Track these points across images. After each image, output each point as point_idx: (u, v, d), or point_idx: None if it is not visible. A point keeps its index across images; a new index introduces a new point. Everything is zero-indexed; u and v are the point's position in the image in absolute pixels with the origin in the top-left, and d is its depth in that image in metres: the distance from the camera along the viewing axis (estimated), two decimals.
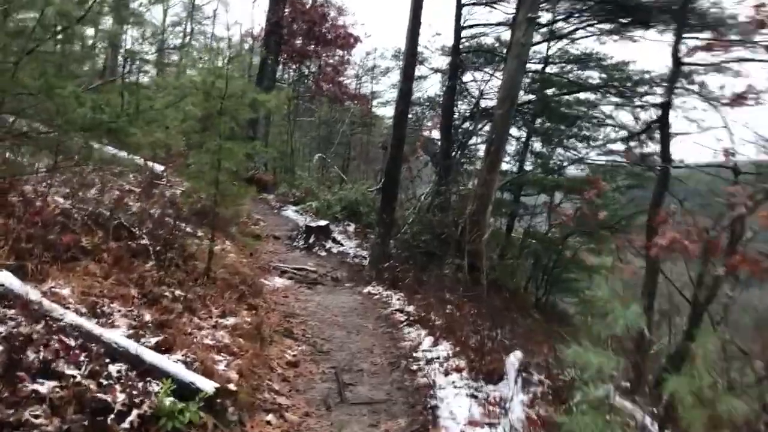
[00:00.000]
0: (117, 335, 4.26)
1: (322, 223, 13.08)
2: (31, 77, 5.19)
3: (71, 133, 5.27)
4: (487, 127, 17.70)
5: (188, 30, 27.98)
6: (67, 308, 4.39)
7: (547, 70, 18.15)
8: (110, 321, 4.58)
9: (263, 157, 20.38)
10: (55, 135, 5.54)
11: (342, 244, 13.12)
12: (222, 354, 5.04)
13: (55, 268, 5.04)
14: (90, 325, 4.23)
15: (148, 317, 4.99)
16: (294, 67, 22.37)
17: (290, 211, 16.83)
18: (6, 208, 6.22)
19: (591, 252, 19.64)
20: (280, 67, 23.16)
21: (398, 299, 8.74)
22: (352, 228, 15.78)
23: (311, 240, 12.66)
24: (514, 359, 5.89)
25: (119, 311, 4.90)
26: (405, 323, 7.58)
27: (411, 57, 10.00)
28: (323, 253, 12.45)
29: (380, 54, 27.65)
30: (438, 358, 6.09)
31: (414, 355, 6.31)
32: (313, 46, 20.25)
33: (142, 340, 4.49)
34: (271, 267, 10.02)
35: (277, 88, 22.50)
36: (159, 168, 12.14)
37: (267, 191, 19.50)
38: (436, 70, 20.30)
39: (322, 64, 21.93)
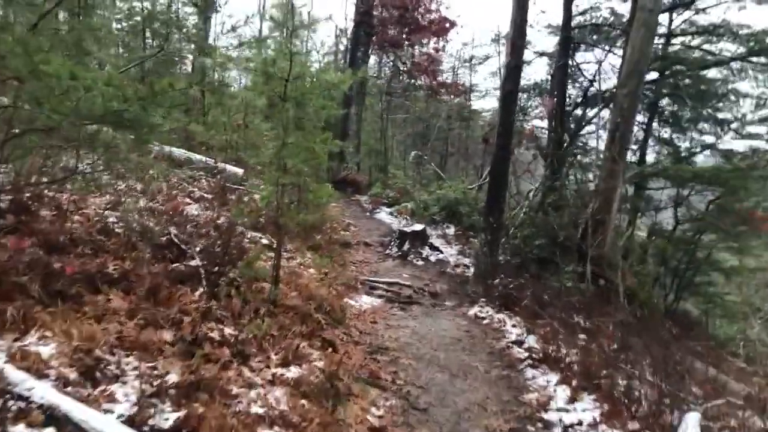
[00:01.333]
0: (108, 421, 2.86)
1: (418, 227, 11.50)
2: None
3: (77, 123, 3.94)
4: (604, 113, 15.56)
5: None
6: (45, 375, 3.05)
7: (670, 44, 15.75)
8: (107, 392, 3.18)
9: (356, 157, 19.13)
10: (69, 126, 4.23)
11: (440, 251, 11.49)
12: (274, 430, 3.56)
13: (52, 308, 3.74)
14: (69, 404, 2.85)
15: (173, 377, 3.58)
16: (386, 58, 20.88)
17: (384, 214, 15.41)
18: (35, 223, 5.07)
19: (729, 251, 17.08)
20: (372, 60, 21.84)
21: (514, 325, 7.02)
22: (451, 231, 14.13)
23: (405, 247, 11.12)
24: (692, 423, 4.11)
25: (134, 370, 3.52)
26: (527, 362, 5.85)
27: (519, 25, 8.23)
28: (419, 262, 10.88)
29: (478, 44, 25.81)
30: (580, 425, 4.35)
31: (544, 417, 4.61)
32: (405, 34, 18.72)
33: (153, 420, 3.08)
34: (358, 282, 8.55)
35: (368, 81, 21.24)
36: (237, 171, 10.99)
37: (360, 192, 18.23)
38: (542, 54, 18.24)
39: (415, 53, 20.35)
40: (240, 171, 10.88)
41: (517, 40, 7.95)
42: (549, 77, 18.21)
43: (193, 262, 5.41)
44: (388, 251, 11.30)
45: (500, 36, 21.44)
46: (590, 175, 13.29)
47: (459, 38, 36.56)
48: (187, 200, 8.47)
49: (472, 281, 8.82)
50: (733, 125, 15.63)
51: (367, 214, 15.45)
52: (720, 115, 15.60)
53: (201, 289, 5.07)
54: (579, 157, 15.13)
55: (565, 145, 15.04)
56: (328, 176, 19.94)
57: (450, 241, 12.66)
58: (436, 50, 19.61)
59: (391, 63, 21.33)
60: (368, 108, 24.51)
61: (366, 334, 6.37)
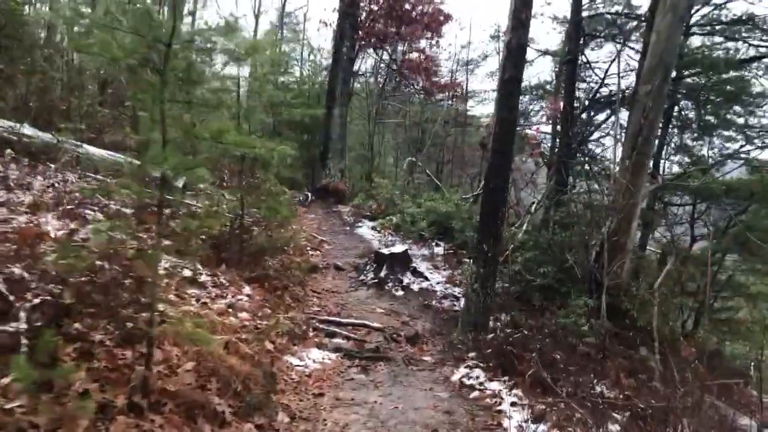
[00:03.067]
0: None
1: (398, 249, 9.55)
2: None
3: None
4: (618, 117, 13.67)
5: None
6: None
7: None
8: None
9: (340, 163, 17.21)
10: None
11: (425, 278, 9.54)
12: None
13: None
14: None
15: None
16: (374, 54, 18.93)
17: (365, 228, 13.46)
18: None
19: (753, 274, 15.18)
20: (361, 58, 19.92)
21: (514, 403, 5.00)
22: (441, 250, 12.18)
23: (383, 273, 9.16)
24: None
25: None
26: None
27: None
28: (399, 292, 8.92)
29: (476, 47, 23.91)
30: None
31: None
32: (395, 28, 16.79)
33: None
34: (311, 326, 6.58)
35: (357, 82, 19.34)
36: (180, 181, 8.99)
37: (342, 202, 16.32)
38: (546, 52, 16.36)
39: (406, 49, 18.43)
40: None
41: (521, 10, 6.02)
42: (553, 77, 16.32)
43: (11, 326, 3.45)
44: (362, 277, 9.34)
45: (500, 32, 19.52)
46: (603, 188, 11.36)
47: (457, 41, 34.75)
48: (95, 216, 6.51)
49: (460, 328, 6.82)
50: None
51: (347, 228, 13.51)
52: (745, 120, 13.73)
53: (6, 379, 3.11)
54: (588, 166, 13.16)
55: (573, 151, 13.15)
56: (307, 184, 18.09)
57: (438, 265, 10.69)
58: (430, 46, 17.68)
59: (385, 63, 19.37)
60: (357, 110, 22.61)
61: (300, 421, 4.40)
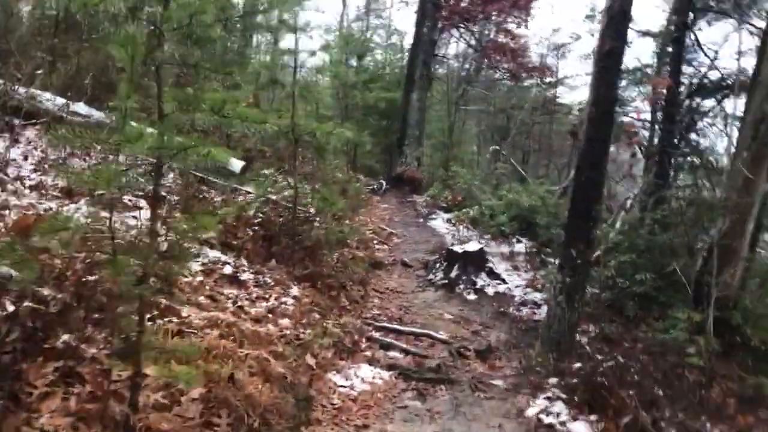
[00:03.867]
0: None
1: (472, 247, 8.55)
2: None
3: None
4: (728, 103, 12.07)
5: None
6: None
7: None
8: None
9: (416, 150, 16.30)
10: None
11: (503, 280, 8.51)
12: None
13: None
14: None
15: None
16: (457, 35, 17.80)
17: (439, 221, 12.52)
18: None
19: None
20: (443, 39, 18.86)
21: None
22: (522, 248, 11.07)
23: (454, 273, 8.22)
24: None
25: None
26: None
27: None
28: (471, 296, 7.95)
29: (567, 31, 22.27)
30: None
31: None
32: (480, 6, 15.64)
33: None
34: (365, 335, 5.74)
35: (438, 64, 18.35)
36: (237, 164, 8.27)
37: (418, 192, 15.42)
38: (646, 33, 14.75)
39: (492, 28, 17.22)
40: (239, 164, 8.12)
41: None
42: (654, 60, 14.70)
43: None
44: (431, 276, 8.43)
45: (596, 12, 17.97)
46: (713, 183, 9.92)
47: (547, 24, 32.93)
48: (136, 203, 5.91)
49: (540, 346, 5.78)
50: None
51: (420, 220, 12.61)
52: None
53: None
54: (695, 158, 11.64)
55: (677, 142, 11.68)
56: (384, 171, 17.29)
57: (518, 265, 9.60)
58: (518, 25, 16.39)
59: (468, 44, 18.22)
60: (439, 96, 21.58)
61: None
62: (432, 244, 10.36)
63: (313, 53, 6.16)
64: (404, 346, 5.65)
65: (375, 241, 9.81)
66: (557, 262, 5.62)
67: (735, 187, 7.84)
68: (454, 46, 21.51)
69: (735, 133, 12.30)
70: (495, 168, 17.46)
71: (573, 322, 5.55)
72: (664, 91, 11.24)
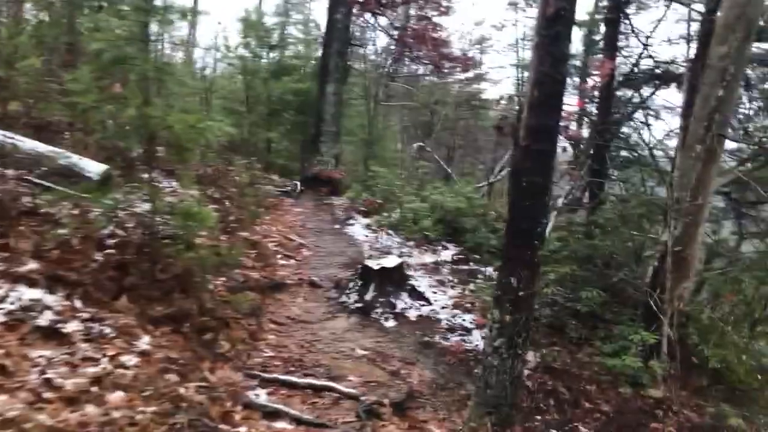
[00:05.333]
0: None
1: (390, 262, 7.21)
2: None
3: None
4: (666, 93, 11.25)
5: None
6: None
7: None
8: None
9: (334, 147, 14.88)
10: None
11: (427, 300, 7.23)
12: None
13: None
14: None
15: None
16: (373, 21, 16.42)
17: (358, 226, 11.16)
18: None
19: None
20: (359, 26, 17.52)
21: None
22: (449, 254, 9.89)
23: (370, 295, 6.88)
24: None
25: None
26: None
27: None
28: (390, 322, 6.63)
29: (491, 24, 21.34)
30: None
31: None
32: None
33: None
34: (242, 400, 4.28)
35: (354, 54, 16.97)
36: (94, 168, 6.58)
37: (336, 193, 14.03)
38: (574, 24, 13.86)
39: (410, 14, 15.96)
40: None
41: None
42: (581, 50, 13.75)
43: None
44: (344, 299, 7.05)
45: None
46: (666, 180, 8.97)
47: (469, 18, 32.26)
48: None
49: (473, 410, 4.45)
50: None
51: (337, 226, 11.21)
52: None
53: None
54: (631, 153, 10.70)
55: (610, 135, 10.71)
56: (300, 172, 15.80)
57: (444, 280, 8.34)
58: (439, 13, 15.18)
59: (384, 31, 16.90)
60: (359, 90, 20.22)
61: None
62: (347, 255, 9.00)
63: (170, 21, 4.61)
64: (296, 412, 4.23)
65: (279, 256, 8.34)
66: (494, 297, 4.28)
67: (688, 186, 6.83)
68: (375, 38, 20.36)
69: (671, 125, 11.54)
70: (418, 167, 16.26)
71: (516, 375, 4.27)
72: (598, 80, 10.26)
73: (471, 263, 9.64)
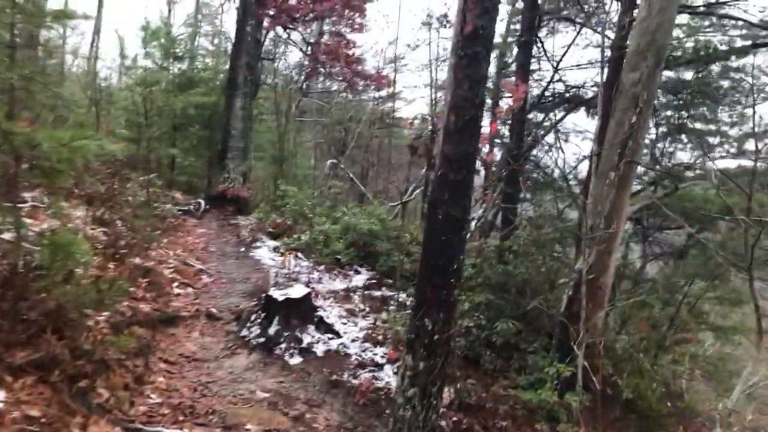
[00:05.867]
0: None
1: (296, 292, 6.70)
2: None
3: None
4: (576, 117, 11.34)
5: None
6: None
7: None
8: None
9: (242, 164, 14.22)
10: None
11: (337, 333, 6.76)
12: None
13: None
14: None
15: None
16: (285, 35, 15.90)
17: (265, 249, 10.56)
18: None
19: (720, 302, 13.17)
20: (271, 39, 16.97)
21: None
22: (362, 280, 9.48)
23: (273, 328, 6.34)
24: None
25: None
26: None
27: None
28: (295, 359, 6.11)
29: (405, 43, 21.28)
30: None
31: None
32: (310, 3, 13.89)
33: None
34: None
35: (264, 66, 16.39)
36: None
37: (244, 212, 13.37)
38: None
39: (323, 30, 15.57)
40: None
41: None
42: (492, 73, 13.82)
43: None
44: (245, 332, 6.47)
45: (432, 17, 16.98)
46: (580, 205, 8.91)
47: (384, 37, 32.33)
48: None
49: None
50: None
51: (242, 249, 10.55)
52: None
53: None
54: (544, 178, 10.68)
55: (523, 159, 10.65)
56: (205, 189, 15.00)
57: (354, 309, 7.90)
58: (352, 29, 14.84)
59: (296, 45, 16.40)
60: (270, 105, 19.59)
61: None
62: (252, 282, 8.43)
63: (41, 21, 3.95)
64: None
65: (175, 284, 7.66)
66: (406, 340, 3.87)
67: (602, 213, 6.72)
68: (287, 52, 19.89)
69: (581, 148, 11.67)
70: (331, 186, 15.80)
71: (431, 429, 3.87)
72: (511, 103, 10.19)
73: (384, 288, 9.26)
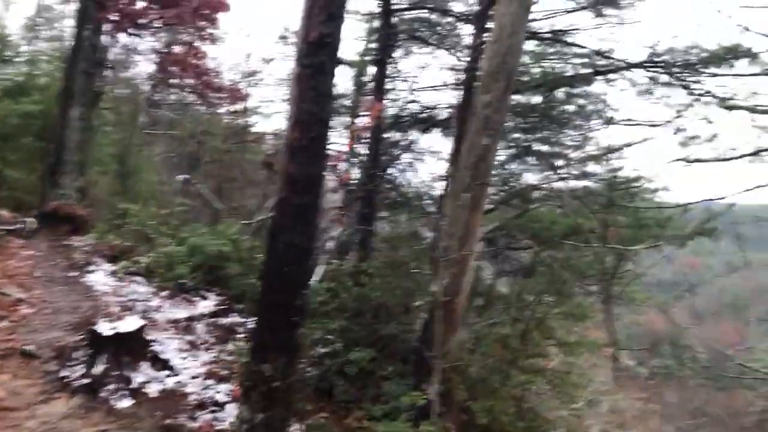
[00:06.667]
0: None
1: (127, 325, 5.96)
2: None
3: None
4: (431, 138, 11.39)
5: None
6: None
7: None
8: None
9: (78, 179, 12.96)
10: None
11: (172, 369, 6.10)
12: None
13: None
14: None
15: None
16: (131, 43, 14.83)
17: (101, 274, 9.55)
18: None
19: (565, 318, 13.80)
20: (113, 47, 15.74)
21: None
22: (208, 306, 8.80)
23: (100, 368, 5.59)
24: None
25: None
26: None
27: None
28: (124, 402, 5.39)
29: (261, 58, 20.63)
30: None
31: None
32: (156, 9, 13.03)
33: None
34: None
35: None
36: None
37: (79, 232, 12.13)
38: (341, 62, 13.68)
39: (175, 39, 14.68)
40: None
41: None
42: (351, 90, 13.62)
43: None
44: (66, 373, 5.66)
45: (289, 30, 16.58)
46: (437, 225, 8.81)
47: (240, 48, 31.53)
48: None
49: None
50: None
51: (74, 273, 9.47)
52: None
53: None
54: (401, 198, 10.59)
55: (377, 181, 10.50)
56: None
57: (197, 341, 7.24)
58: (201, 37, 14.09)
59: (140, 53, 15.34)
60: (114, 115, 18.20)
61: None
62: (81, 313, 7.49)
63: None
64: None
65: None
66: (242, 385, 3.40)
67: (457, 235, 6.63)
68: (134, 61, 18.59)
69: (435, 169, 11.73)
70: (180, 203, 14.84)
71: None
72: (368, 121, 10.04)
73: (234, 314, 8.65)
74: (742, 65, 8.50)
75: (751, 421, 15.33)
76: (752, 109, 8.36)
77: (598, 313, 14.01)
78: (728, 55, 8.38)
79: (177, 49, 14.60)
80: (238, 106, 18.97)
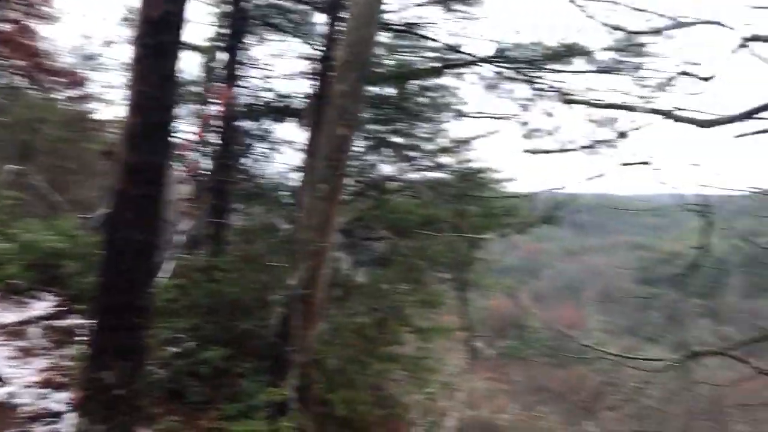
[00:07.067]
0: None
1: None
2: None
3: None
4: (287, 127, 11.18)
5: None
6: None
7: None
8: None
9: None
10: None
11: (1, 380, 5.51)
12: None
13: None
14: None
15: None
16: None
17: None
18: None
19: (420, 305, 14.20)
20: None
21: None
22: (43, 308, 8.08)
23: None
24: None
25: None
26: None
27: None
28: None
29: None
30: None
31: None
32: None
33: None
34: None
35: None
36: None
37: None
38: (193, 48, 13.04)
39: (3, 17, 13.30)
40: None
41: None
42: (202, 75, 13.04)
43: None
44: None
45: (133, 13, 15.57)
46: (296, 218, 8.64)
47: (79, 31, 29.28)
48: None
49: None
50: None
51: None
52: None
53: None
54: (256, 190, 10.31)
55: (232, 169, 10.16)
56: None
57: (31, 346, 6.61)
58: (32, 14, 12.87)
59: None
60: None
61: None
62: None
63: None
64: None
65: None
66: (82, 397, 3.10)
67: (315, 227, 6.56)
68: None
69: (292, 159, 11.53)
70: (10, 196, 13.49)
71: None
72: (219, 109, 9.64)
73: (74, 315, 8.00)
74: (579, 63, 9.14)
75: (587, 394, 16.76)
76: (588, 104, 9.00)
77: (452, 300, 14.53)
78: (567, 52, 8.95)
79: (4, 27, 13.22)
80: (77, 92, 17.60)
